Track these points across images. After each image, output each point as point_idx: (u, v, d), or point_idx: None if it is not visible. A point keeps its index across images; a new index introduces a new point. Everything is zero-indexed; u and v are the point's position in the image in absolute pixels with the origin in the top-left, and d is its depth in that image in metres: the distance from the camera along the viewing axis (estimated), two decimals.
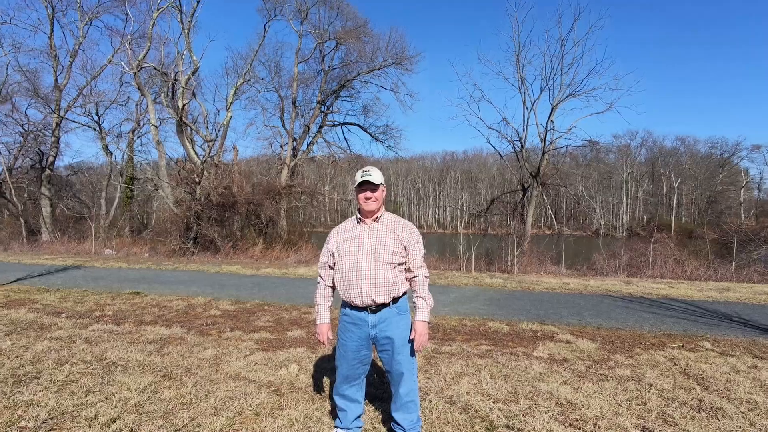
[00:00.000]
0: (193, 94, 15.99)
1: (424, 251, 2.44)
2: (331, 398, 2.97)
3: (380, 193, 2.41)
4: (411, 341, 2.37)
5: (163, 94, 15.83)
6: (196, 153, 17.07)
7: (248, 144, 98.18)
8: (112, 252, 15.53)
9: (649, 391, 3.22)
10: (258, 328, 5.12)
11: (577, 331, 5.21)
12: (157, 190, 15.74)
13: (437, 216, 77.25)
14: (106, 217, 22.04)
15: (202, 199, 14.26)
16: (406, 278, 2.41)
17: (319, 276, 2.54)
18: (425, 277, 2.40)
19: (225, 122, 17.36)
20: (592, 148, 17.95)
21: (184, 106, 15.66)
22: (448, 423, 2.69)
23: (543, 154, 17.14)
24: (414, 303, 2.37)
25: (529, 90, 29.61)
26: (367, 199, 2.38)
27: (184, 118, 15.70)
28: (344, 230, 2.48)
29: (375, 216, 2.43)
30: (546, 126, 17.13)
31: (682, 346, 4.61)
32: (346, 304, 2.43)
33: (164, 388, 3.14)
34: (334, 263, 2.44)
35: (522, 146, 17.83)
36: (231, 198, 14.73)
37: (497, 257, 14.80)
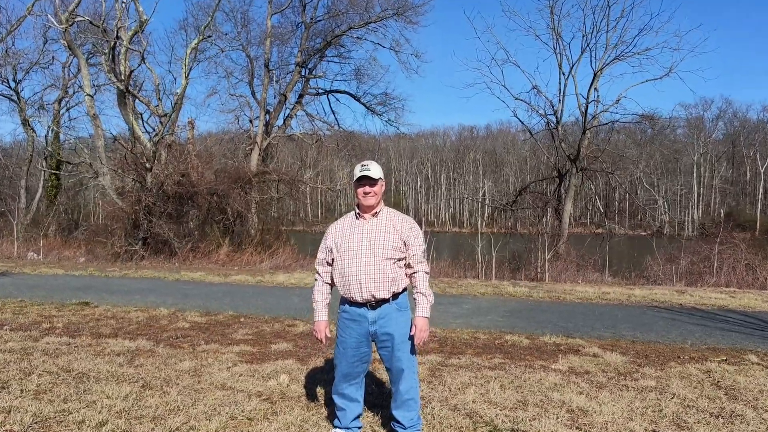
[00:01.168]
0: (142, 58, 16.62)
1: (424, 247, 3.11)
2: (327, 405, 3.66)
3: (379, 188, 3.07)
4: (411, 337, 3.05)
5: (103, 57, 16.44)
6: (143, 130, 17.73)
7: (209, 119, 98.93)
8: (37, 256, 16.23)
9: (669, 400, 3.92)
10: (236, 341, 5.82)
11: (608, 345, 5.92)
12: (97, 177, 16.39)
13: (451, 210, 78.19)
14: (27, 212, 22.72)
15: (154, 190, 14.94)
16: (406, 274, 3.08)
17: (317, 272, 3.21)
18: (425, 272, 3.07)
19: (179, 91, 17.99)
20: (647, 124, 18.63)
21: (130, 72, 16.28)
22: (451, 426, 3.38)
23: (584, 132, 17.88)
24: (414, 299, 3.05)
25: (566, 51, 30.28)
26: (366, 194, 3.03)
27: (129, 87, 16.33)
28: (343, 225, 3.15)
29: (374, 211, 3.09)
30: (588, 96, 17.90)
31: (725, 359, 5.32)
32: (345, 301, 3.09)
33: (147, 396, 3.83)
34: (332, 259, 3.12)
35: (558, 122, 18.56)
36: (189, 188, 15.43)
37: (525, 262, 15.56)
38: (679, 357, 5.42)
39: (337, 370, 3.15)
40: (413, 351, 3.09)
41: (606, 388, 4.23)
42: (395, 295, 3.02)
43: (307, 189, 26.73)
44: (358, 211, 3.11)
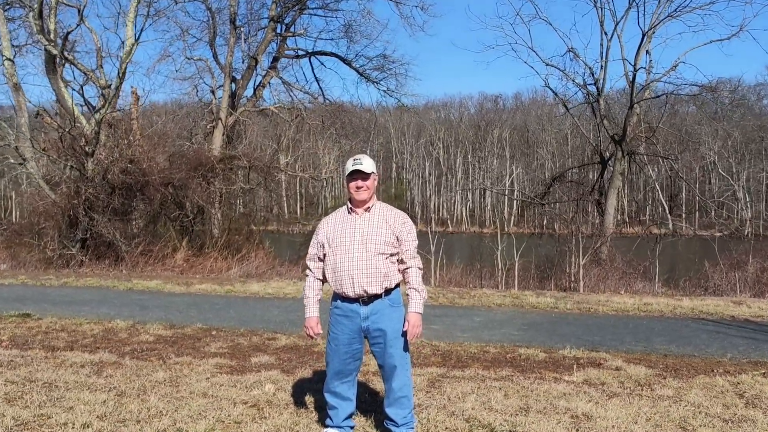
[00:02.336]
0: (80, 15, 17.47)
1: (417, 242, 4.00)
2: (318, 410, 4.57)
3: (371, 182, 3.94)
4: (404, 334, 3.94)
5: (31, 14, 17.30)
6: (85, 105, 18.57)
7: (160, 89, 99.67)
8: None
9: (681, 406, 4.84)
10: (211, 355, 6.75)
11: (635, 358, 6.86)
12: (24, 162, 17.25)
13: (470, 204, 79.11)
14: None
15: (97, 179, 15.85)
16: (399, 270, 3.97)
17: (308, 268, 4.10)
18: (419, 268, 3.94)
19: (125, 55, 18.83)
20: (709, 96, 19.55)
21: (68, 34, 17.12)
22: (446, 428, 4.29)
23: (631, 106, 18.81)
24: (407, 295, 3.95)
25: (609, 4, 30.99)
26: (358, 188, 3.90)
27: (64, 50, 17.19)
28: (334, 220, 4.03)
29: (366, 206, 3.95)
30: (636, 62, 18.81)
31: (763, 373, 6.25)
32: (337, 296, 3.97)
33: (126, 402, 4.73)
34: (324, 255, 4.01)
35: (599, 93, 19.49)
36: (139, 177, 16.32)
37: (556, 268, 16.53)
38: (712, 370, 6.35)
39: (328, 368, 4.05)
40: (406, 348, 3.99)
41: (618, 396, 5.15)
42: (388, 291, 3.92)
43: (283, 178, 27.51)
44: (350, 205, 4.01)
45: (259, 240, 19.56)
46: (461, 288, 13.59)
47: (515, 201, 56.60)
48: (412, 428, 4.04)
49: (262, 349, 7.09)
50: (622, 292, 13.94)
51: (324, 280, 4.10)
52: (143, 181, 16.45)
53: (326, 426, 4.11)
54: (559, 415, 4.61)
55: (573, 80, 19.88)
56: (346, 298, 3.93)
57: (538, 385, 5.51)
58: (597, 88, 19.56)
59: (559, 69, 20.04)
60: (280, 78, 25.48)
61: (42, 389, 5.10)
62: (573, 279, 14.98)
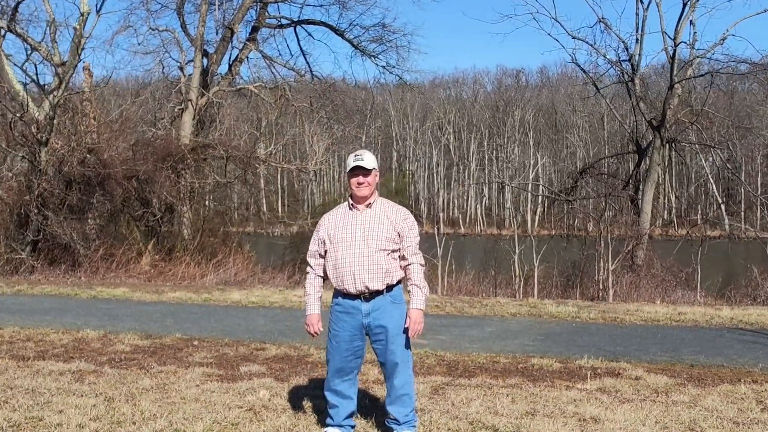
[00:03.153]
0: None
1: (419, 238, 4.82)
2: (317, 413, 5.38)
3: (373, 178, 4.75)
4: (406, 330, 4.74)
5: None
6: (23, 81, 19.30)
7: (120, 67, 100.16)
8: None
9: (695, 411, 5.65)
10: (196, 364, 7.56)
11: (658, 368, 7.67)
12: None
13: (485, 201, 79.74)
14: None
15: (51, 172, 16.62)
16: (400, 266, 4.78)
17: (309, 265, 4.91)
18: (420, 265, 4.75)
19: (78, 26, 19.54)
20: (763, 75, 20.32)
21: (17, 4, 17.87)
22: (449, 429, 5.11)
23: (671, 87, 19.59)
24: (409, 291, 4.76)
25: None
26: (359, 184, 4.70)
27: (14, 23, 17.95)
28: (336, 216, 4.84)
29: (368, 202, 4.76)
30: (676, 35, 19.54)
31: None
32: (338, 293, 4.77)
33: (117, 406, 5.54)
34: (325, 251, 4.81)
35: (634, 71, 20.28)
36: (99, 169, 17.10)
37: (583, 275, 17.34)
38: (739, 380, 7.14)
39: (329, 366, 4.85)
40: (408, 345, 4.80)
41: (630, 402, 5.96)
42: (389, 287, 4.72)
43: (263, 170, 28.03)
44: (351, 201, 4.81)
45: (237, 243, 20.32)
46: (472, 297, 14.40)
47: (539, 197, 57.26)
48: (414, 426, 4.85)
49: (251, 359, 7.89)
50: (658, 302, 14.74)
51: (325, 277, 4.90)
52: (104, 174, 17.20)
53: (326, 425, 4.91)
54: (566, 418, 5.41)
55: (604, 56, 20.68)
56: (347, 295, 4.73)
57: (548, 392, 6.32)
58: (632, 65, 20.32)
59: (588, 43, 20.84)
60: (260, 52, 26.05)
61: (27, 395, 5.89)
62: (601, 287, 15.79)
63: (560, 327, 10.50)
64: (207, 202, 21.15)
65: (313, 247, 4.92)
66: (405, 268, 4.80)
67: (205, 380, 6.66)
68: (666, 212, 62.00)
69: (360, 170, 4.70)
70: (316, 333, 4.89)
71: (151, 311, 11.51)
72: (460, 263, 18.23)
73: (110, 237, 18.21)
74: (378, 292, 4.70)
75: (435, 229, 18.70)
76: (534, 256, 16.46)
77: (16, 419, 5.16)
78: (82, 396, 5.88)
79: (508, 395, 6.17)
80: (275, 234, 33.01)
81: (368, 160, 4.73)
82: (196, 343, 8.85)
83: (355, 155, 4.76)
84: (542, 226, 58.45)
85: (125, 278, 16.30)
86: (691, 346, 9.04)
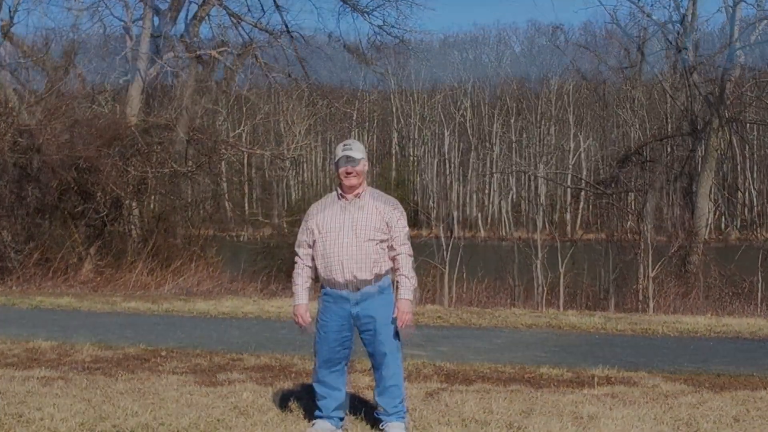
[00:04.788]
0: None
1: (407, 228, 6.26)
2: (305, 411, 6.80)
3: (362, 168, 6.16)
4: (394, 320, 6.17)
5: None
6: None
7: (50, 22, 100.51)
8: None
9: (697, 411, 7.10)
10: (170, 372, 8.99)
11: (679, 378, 9.08)
12: None
13: (513, 195, 78.83)
14: None
15: None
16: (389, 257, 6.22)
17: (297, 255, 6.33)
18: (408, 255, 6.15)
19: None
20: None
21: None
22: (440, 423, 6.56)
23: (731, 57, 20.68)
24: (397, 282, 6.20)
25: None
26: (348, 174, 6.10)
27: None
28: (324, 206, 6.27)
29: (356, 192, 6.16)
30: None
31: None
32: (326, 283, 6.19)
33: (96, 405, 6.96)
34: (314, 241, 6.25)
35: (687, 33, 21.38)
36: (34, 155, 18.34)
37: (622, 284, 18.58)
38: (765, 387, 8.55)
39: (317, 357, 6.29)
40: (397, 336, 6.23)
41: (635, 404, 7.41)
42: (378, 277, 6.14)
43: (228, 154, 28.38)
44: (340, 191, 6.26)
45: (200, 247, 21.39)
46: (484, 308, 15.73)
47: (581, 193, 57.63)
48: (403, 418, 6.29)
49: (229, 369, 9.28)
50: (709, 315, 15.89)
51: (313, 267, 6.36)
52: (39, 161, 18.34)
53: (315, 417, 6.36)
54: (561, 417, 6.85)
55: (650, 16, 21.71)
56: (335, 284, 6.15)
57: (549, 396, 7.76)
58: (684, 27, 21.28)
59: (631, 0, 21.81)
60: (225, 8, 26.67)
61: (6, 399, 7.29)
62: (641, 297, 17.06)
63: (580, 339, 11.87)
64: (164, 196, 21.72)
65: (302, 237, 6.33)
66: (393, 259, 6.19)
67: (183, 384, 8.08)
68: (744, 210, 62.85)
69: (349, 160, 6.15)
70: (304, 323, 6.34)
71: (106, 322, 12.85)
72: (472, 271, 19.32)
73: (45, 238, 19.25)
74: (366, 282, 6.09)
75: (441, 229, 19.41)
76: (561, 262, 17.67)
77: (3, 420, 6.55)
78: (57, 396, 7.29)
79: (505, 398, 7.58)
80: (242, 237, 33.51)
81: (357, 149, 6.19)
82: (163, 353, 10.20)
83: (344, 145, 6.22)
84: (585, 228, 58.47)
85: (65, 288, 17.45)
86: (725, 356, 10.42)
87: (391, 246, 6.19)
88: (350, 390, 6.90)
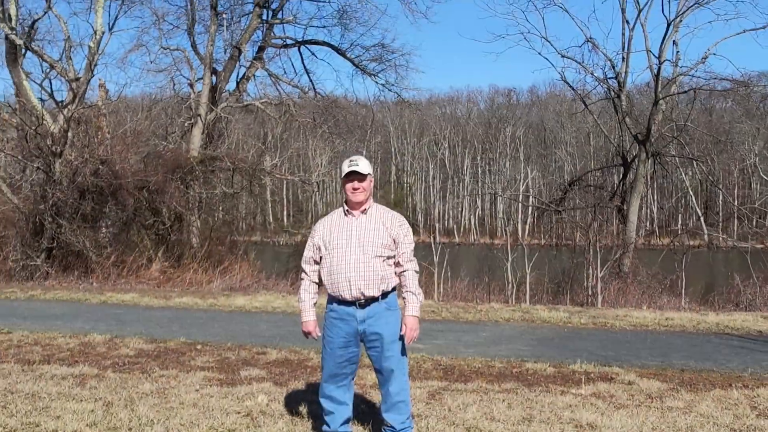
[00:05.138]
0: (48, 2, 18.00)
1: (413, 245, 4.51)
2: (314, 419, 5.05)
3: (368, 183, 4.44)
4: (401, 337, 4.43)
5: None
6: (48, 98, 19.07)
7: (133, 82, 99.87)
8: None
9: (691, 417, 5.33)
10: (198, 368, 7.23)
11: (650, 373, 7.34)
12: None
13: (478, 212, 79.57)
14: None
15: (64, 182, 16.33)
16: (395, 273, 4.47)
17: (303, 271, 4.59)
18: (415, 271, 4.43)
19: (93, 44, 19.34)
20: (743, 91, 20.08)
21: (34, 22, 17.63)
22: None
23: (656, 103, 19.34)
24: (404, 298, 4.44)
25: None
26: (355, 189, 4.39)
27: (31, 39, 17.70)
28: (330, 222, 4.53)
29: (363, 207, 4.45)
30: (661, 54, 19.34)
31: None
32: (333, 299, 4.45)
33: (114, 411, 5.22)
34: (320, 257, 4.50)
35: (620, 88, 20.03)
36: (111, 180, 16.81)
37: (572, 282, 17.03)
38: (730, 385, 6.83)
39: (323, 372, 4.53)
40: (403, 351, 4.48)
41: (626, 408, 5.64)
42: (385, 294, 4.41)
43: (269, 181, 27.95)
44: (346, 207, 4.50)
45: (243, 251, 20.04)
46: (467, 303, 14.07)
47: (530, 208, 57.06)
48: None
49: (252, 363, 7.56)
50: (644, 308, 14.42)
51: (320, 283, 4.59)
52: (116, 184, 16.93)
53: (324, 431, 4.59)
54: (562, 425, 5.09)
55: (592, 73, 20.44)
56: (342, 301, 4.42)
57: (544, 397, 6.00)
58: (618, 82, 20.08)
59: (576, 61, 20.58)
60: (266, 70, 25.75)
61: (26, 399, 5.58)
62: (590, 293, 15.47)
63: (552, 332, 10.17)
64: (216, 212, 20.83)
65: (308, 253, 4.61)
66: (399, 275, 4.50)
67: (205, 385, 6.34)
68: (648, 222, 61.73)
69: (355, 175, 4.40)
70: (316, 337, 4.60)
71: (158, 316, 11.18)
72: (456, 270, 17.94)
73: (122, 245, 17.91)
74: (373, 299, 4.40)
75: (431, 238, 18.36)
76: (525, 263, 16.15)
77: (12, 425, 4.85)
78: (81, 401, 5.56)
79: (504, 400, 5.86)
80: (280, 243, 32.81)
81: (363, 165, 4.43)
82: (199, 347, 8.52)
83: (350, 160, 4.46)
84: (532, 235, 58.00)
85: (135, 284, 15.98)
86: (681, 351, 8.73)
87: (398, 262, 4.48)
88: (356, 390, 5.19)
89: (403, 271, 4.46)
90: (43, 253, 16.67)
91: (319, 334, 4.58)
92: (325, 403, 4.55)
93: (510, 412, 5.46)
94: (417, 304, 4.42)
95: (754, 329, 10.40)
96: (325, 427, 4.57)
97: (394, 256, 4.45)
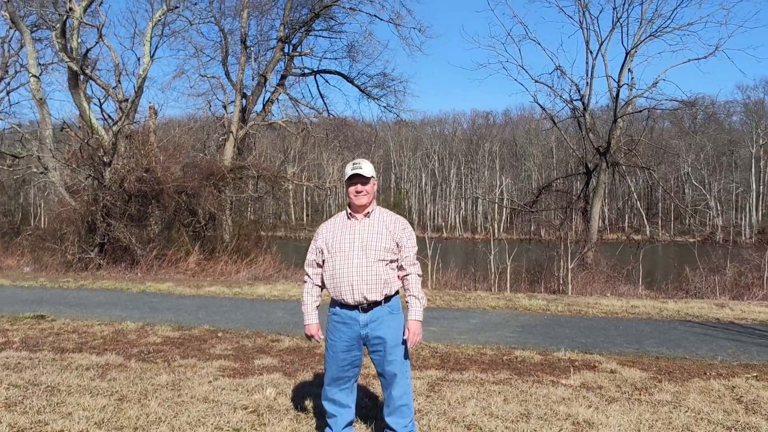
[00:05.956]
0: (99, 34, 17.14)
1: (417, 248, 3.62)
2: (318, 416, 4.17)
3: (371, 187, 3.56)
4: (404, 341, 3.55)
5: (53, 33, 16.96)
6: (99, 118, 18.24)
7: (175, 104, 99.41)
8: None
9: (683, 413, 4.44)
10: (216, 357, 6.33)
11: (628, 361, 6.45)
12: (47, 172, 16.89)
13: (462, 212, 78.76)
14: None
15: (114, 188, 15.46)
16: (398, 276, 3.59)
17: (306, 274, 3.71)
18: (418, 275, 3.56)
19: (142, 72, 18.52)
20: (686, 110, 19.20)
21: (87, 51, 16.79)
22: None
23: (615, 120, 18.46)
24: (407, 302, 3.56)
25: (594, 26, 30.72)
26: (358, 192, 3.51)
27: (84, 67, 16.84)
28: (333, 226, 3.64)
29: (366, 211, 3.57)
30: (619, 79, 18.50)
31: (756, 376, 5.84)
32: (335, 303, 3.58)
33: (125, 408, 4.33)
34: (323, 261, 3.62)
35: (585, 108, 19.14)
36: (154, 185, 15.94)
37: (545, 272, 16.12)
38: (705, 373, 5.94)
39: (326, 375, 3.65)
40: (406, 355, 3.59)
41: (617, 401, 4.75)
42: (387, 298, 3.52)
43: (291, 187, 27.26)
44: (349, 211, 3.62)
45: (267, 245, 19.15)
46: (457, 290, 13.18)
47: (504, 209, 56.21)
48: None
49: (266, 351, 6.68)
50: (608, 295, 13.54)
51: (322, 286, 3.71)
52: (158, 189, 16.08)
53: None
54: (560, 422, 4.21)
55: (560, 96, 19.61)
56: (344, 305, 3.54)
57: (537, 389, 5.11)
58: (583, 104, 19.24)
59: (547, 86, 19.73)
60: (288, 94, 25.28)
61: (43, 393, 4.69)
62: (562, 282, 14.57)
63: (534, 319, 9.26)
64: (244, 212, 19.96)
65: (311, 256, 3.72)
66: (402, 279, 3.60)
67: (219, 376, 5.43)
68: (600, 221, 60.76)
69: (358, 178, 3.51)
70: (318, 340, 3.71)
71: (188, 304, 10.26)
72: (446, 262, 17.05)
73: (164, 240, 17.01)
74: (376, 303, 3.51)
75: (425, 234, 17.51)
76: (506, 256, 15.24)
77: (21, 424, 3.98)
78: (96, 395, 4.67)
79: (500, 392, 4.97)
80: (299, 238, 32.00)
81: (366, 168, 3.54)
82: (220, 334, 7.62)
83: (354, 163, 3.56)
84: (507, 231, 56.99)
85: (174, 274, 15.09)
86: (651, 337, 7.82)
87: (401, 266, 3.57)
88: (359, 382, 4.35)
89: (406, 275, 3.57)
90: (96, 248, 15.80)
91: (322, 337, 3.70)
92: (328, 407, 3.66)
93: (507, 406, 4.57)
94: (420, 308, 3.53)
95: (712, 317, 9.48)
96: (327, 430, 3.68)
97: (397, 260, 3.57)
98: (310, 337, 3.71)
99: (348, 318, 3.53)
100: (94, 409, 4.26)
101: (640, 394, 5.01)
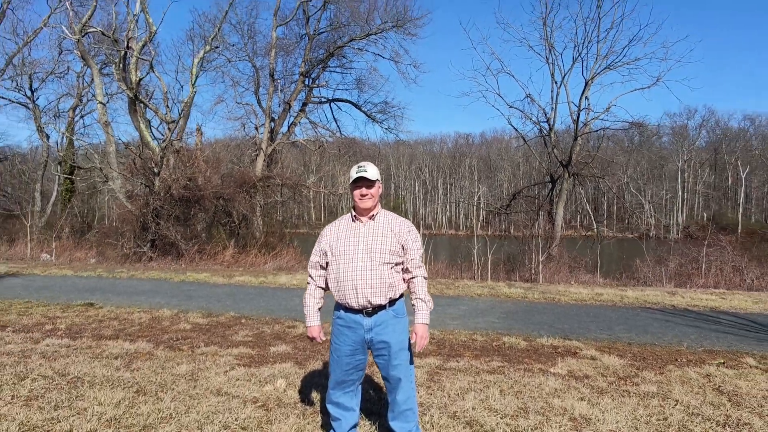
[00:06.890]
0: (151, 66, 16.39)
1: (422, 251, 2.85)
2: (323, 412, 3.39)
3: (376, 190, 2.81)
4: (409, 346, 2.78)
5: (114, 66, 16.20)
6: (152, 136, 17.48)
7: (216, 125, 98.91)
8: (49, 257, 15.95)
9: (673, 407, 3.65)
10: (236, 344, 5.54)
11: (605, 347, 5.65)
12: (107, 181, 16.13)
13: (448, 213, 77.96)
14: (42, 215, 22.44)
15: (162, 193, 14.67)
16: (403, 279, 2.83)
17: (309, 276, 2.96)
18: (424, 278, 2.80)
19: (188, 99, 17.77)
20: (636, 131, 18.40)
21: (139, 80, 16.03)
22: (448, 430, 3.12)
23: (575, 139, 17.62)
24: (413, 305, 2.79)
25: (558, 60, 30.13)
26: (363, 195, 2.77)
27: (138, 95, 16.07)
28: (338, 228, 2.89)
29: (371, 214, 2.83)
30: (579, 104, 17.66)
31: (723, 363, 5.04)
32: (340, 306, 2.83)
33: (139, 402, 3.56)
34: (326, 263, 2.86)
35: (550, 128, 18.30)
36: (196, 191, 15.16)
37: (519, 264, 15.30)
38: (676, 360, 5.16)
39: (331, 378, 2.88)
40: (411, 360, 2.82)
41: (607, 393, 3.96)
42: (392, 302, 2.75)
43: (310, 193, 26.51)
44: (354, 213, 2.85)
45: (289, 240, 18.35)
46: (447, 279, 12.37)
47: (482, 210, 55.41)
48: None
49: (282, 337, 5.89)
50: (573, 283, 12.75)
51: (326, 289, 2.93)
52: (200, 195, 15.28)
53: None
54: (558, 417, 3.43)
55: (530, 119, 18.78)
56: (349, 309, 2.76)
57: (529, 379, 4.32)
58: (549, 125, 18.41)
59: (519, 110, 18.94)
60: (308, 118, 24.71)
61: (67, 385, 3.92)
62: (534, 272, 13.74)
63: (515, 306, 8.46)
64: (272, 213, 19.14)
65: (314, 258, 2.94)
66: (408, 282, 2.82)
67: (235, 365, 4.64)
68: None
69: (363, 181, 2.74)
70: (320, 342, 2.92)
71: (219, 292, 9.47)
72: (437, 254, 16.27)
73: (205, 237, 16.22)
74: (381, 307, 2.72)
75: (419, 232, 16.78)
76: (487, 250, 14.42)
77: (34, 422, 3.21)
78: (116, 387, 3.89)
79: (495, 384, 4.17)
80: (318, 234, 31.14)
81: (371, 171, 2.76)
82: (243, 321, 6.84)
83: (359, 166, 2.78)
84: (483, 229, 56.19)
85: (212, 265, 14.30)
86: (619, 323, 7.02)
87: (406, 269, 2.77)
88: (366, 372, 3.53)
89: (412, 278, 2.79)
90: (148, 243, 15.01)
91: (323, 338, 2.91)
92: (332, 410, 2.88)
93: (504, 399, 3.78)
94: (426, 311, 2.75)
95: (667, 303, 8.67)
96: None
97: (402, 263, 2.78)
98: (312, 339, 2.93)
99: (352, 322, 2.76)
100: (108, 405, 3.49)
101: (625, 384, 4.22)
